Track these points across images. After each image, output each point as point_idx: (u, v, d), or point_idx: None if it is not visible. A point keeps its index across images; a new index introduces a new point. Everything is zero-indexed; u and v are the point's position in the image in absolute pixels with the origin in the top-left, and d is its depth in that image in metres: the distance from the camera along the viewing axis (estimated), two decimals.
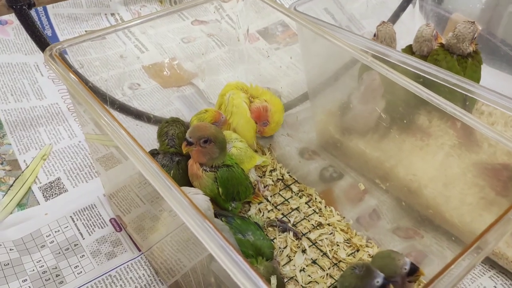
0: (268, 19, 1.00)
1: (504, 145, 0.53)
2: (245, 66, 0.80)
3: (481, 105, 0.73)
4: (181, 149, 0.54)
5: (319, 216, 0.59)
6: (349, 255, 0.55)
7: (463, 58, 0.68)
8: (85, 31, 0.87)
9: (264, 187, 0.62)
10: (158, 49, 0.83)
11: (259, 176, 0.63)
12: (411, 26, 0.87)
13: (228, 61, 0.85)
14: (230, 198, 0.53)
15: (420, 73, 0.54)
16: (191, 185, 0.53)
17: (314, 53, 0.64)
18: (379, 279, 0.40)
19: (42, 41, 0.56)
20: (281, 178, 0.64)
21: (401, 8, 0.75)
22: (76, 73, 0.47)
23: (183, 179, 0.53)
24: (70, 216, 0.59)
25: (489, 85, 0.75)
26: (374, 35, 0.65)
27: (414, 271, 0.45)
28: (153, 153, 0.55)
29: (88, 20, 0.87)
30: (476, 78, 0.68)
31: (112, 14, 0.90)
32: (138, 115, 0.60)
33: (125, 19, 0.91)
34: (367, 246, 0.56)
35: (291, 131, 0.71)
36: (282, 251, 0.55)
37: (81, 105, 0.43)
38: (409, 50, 0.75)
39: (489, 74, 0.75)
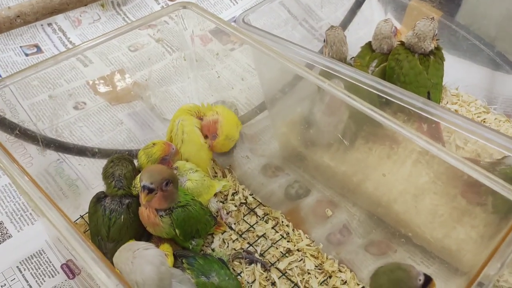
0: (220, 16, 0.94)
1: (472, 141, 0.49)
2: (199, 72, 0.74)
3: (447, 103, 0.70)
4: (130, 190, 0.49)
5: (287, 241, 0.56)
6: (321, 283, 0.52)
7: (425, 57, 0.65)
8: (20, 46, 0.80)
9: (227, 213, 0.58)
10: (103, 61, 0.77)
11: (220, 202, 0.59)
12: (369, 15, 0.83)
13: (180, 68, 0.79)
14: (190, 238, 0.49)
15: (377, 92, 0.50)
16: (144, 230, 0.49)
17: (266, 63, 0.59)
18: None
19: None
20: (244, 201, 0.60)
21: (357, 5, 0.70)
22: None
23: (136, 224, 0.48)
24: (17, 266, 0.54)
25: (452, 76, 0.73)
26: (324, 41, 0.61)
27: (428, 281, 0.43)
28: (100, 197, 0.49)
29: (22, 34, 0.79)
30: (439, 76, 0.66)
31: (50, 24, 0.82)
32: (81, 151, 0.55)
33: (64, 28, 0.84)
34: (339, 271, 0.54)
35: (251, 145, 0.67)
36: (251, 286, 0.51)
37: None
38: (368, 47, 0.72)
39: (449, 62, 0.72)
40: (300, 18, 0.83)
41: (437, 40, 0.66)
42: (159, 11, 0.60)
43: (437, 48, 0.66)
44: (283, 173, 0.64)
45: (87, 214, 0.53)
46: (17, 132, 0.47)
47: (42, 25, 0.83)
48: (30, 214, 0.59)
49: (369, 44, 0.72)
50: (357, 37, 0.82)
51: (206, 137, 0.58)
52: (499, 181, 0.43)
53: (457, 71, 0.73)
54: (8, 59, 0.78)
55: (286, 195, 0.62)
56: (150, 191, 0.44)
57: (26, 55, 0.79)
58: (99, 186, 0.56)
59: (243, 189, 0.61)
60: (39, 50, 0.80)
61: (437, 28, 0.65)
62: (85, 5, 0.46)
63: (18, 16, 0.40)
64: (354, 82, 0.54)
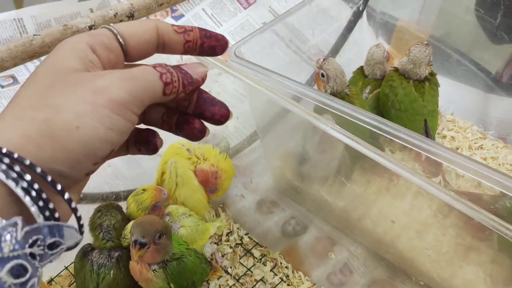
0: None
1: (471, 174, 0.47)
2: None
3: (443, 129, 0.69)
4: (120, 242, 0.46)
5: (288, 285, 0.53)
6: None
7: (420, 83, 0.64)
8: None
9: (222, 256, 0.55)
10: None
11: (215, 244, 0.56)
12: (359, 37, 0.81)
13: None
14: None
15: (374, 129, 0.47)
16: (135, 285, 0.45)
17: (258, 94, 0.57)
18: None
19: None
20: (240, 242, 0.57)
21: (348, 29, 0.68)
22: None
23: (127, 279, 0.45)
24: None
25: (445, 98, 0.72)
26: (322, 75, 0.58)
27: None
28: (86, 250, 0.46)
29: None
30: (435, 103, 0.64)
31: None
32: None
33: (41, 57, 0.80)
34: None
35: (243, 178, 0.64)
36: None
37: None
38: (360, 73, 0.70)
39: (443, 85, 0.71)
40: (292, 45, 0.80)
41: (431, 65, 0.65)
42: None
43: (432, 74, 0.65)
44: (279, 209, 0.61)
45: (72, 265, 0.49)
46: None
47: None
48: None
49: (361, 69, 0.70)
50: (347, 58, 0.80)
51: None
52: (498, 220, 0.41)
53: (450, 95, 0.72)
54: None
55: (283, 232, 0.59)
56: (142, 245, 0.41)
57: (2, 86, 0.75)
58: (86, 238, 0.52)
59: (238, 228, 0.58)
60: (15, 81, 0.76)
61: (431, 54, 0.63)
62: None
63: None
64: (347, 117, 0.51)
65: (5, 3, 0.87)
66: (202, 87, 0.31)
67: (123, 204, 0.54)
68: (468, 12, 0.76)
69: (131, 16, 0.44)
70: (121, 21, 0.44)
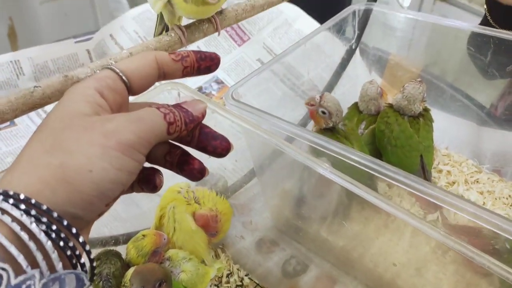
0: (201, 76, 0.92)
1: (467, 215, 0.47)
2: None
3: (438, 163, 0.69)
4: None
5: None
6: None
7: (414, 119, 0.64)
8: None
9: None
10: None
11: (215, 286, 0.56)
12: (352, 72, 0.83)
13: None
14: None
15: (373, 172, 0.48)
16: None
17: (255, 140, 0.57)
18: None
19: None
20: (240, 284, 0.57)
21: (342, 67, 0.70)
22: None
23: None
24: None
25: (442, 131, 0.73)
26: (324, 113, 0.59)
27: None
28: None
29: None
30: (430, 139, 0.65)
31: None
32: None
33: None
34: None
35: (242, 218, 0.64)
36: None
37: None
38: (355, 108, 0.71)
39: (437, 118, 0.72)
40: (281, 75, 0.81)
41: (424, 101, 0.66)
42: (147, 94, 0.57)
43: (425, 110, 0.66)
44: (279, 248, 0.61)
45: None
46: None
47: None
48: None
49: (355, 105, 0.71)
50: (341, 92, 0.81)
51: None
52: (497, 263, 0.41)
53: (444, 128, 0.73)
54: None
55: (283, 272, 0.59)
56: None
57: None
58: None
59: (238, 269, 0.58)
60: (12, 123, 0.77)
61: (425, 91, 0.64)
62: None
63: None
64: (343, 158, 0.52)
65: (1, 45, 0.87)
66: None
67: (122, 249, 0.54)
68: (459, 48, 0.78)
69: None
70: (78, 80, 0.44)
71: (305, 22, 0.94)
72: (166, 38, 0.48)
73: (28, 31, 1.85)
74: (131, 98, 0.32)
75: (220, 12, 0.51)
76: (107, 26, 0.88)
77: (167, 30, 0.51)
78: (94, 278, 0.46)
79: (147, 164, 0.32)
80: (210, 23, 0.50)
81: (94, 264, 0.27)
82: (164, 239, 0.49)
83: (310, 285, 0.57)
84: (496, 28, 0.77)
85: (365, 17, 0.70)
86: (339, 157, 0.50)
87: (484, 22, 0.80)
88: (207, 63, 0.32)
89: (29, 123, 0.78)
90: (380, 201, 0.45)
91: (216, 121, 0.74)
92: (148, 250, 0.47)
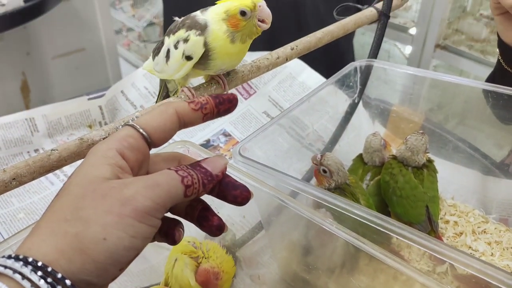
0: (208, 129, 0.95)
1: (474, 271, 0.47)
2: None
3: (445, 214, 0.70)
4: None
5: None
6: None
7: (418, 170, 0.66)
8: None
9: None
10: None
11: None
12: (356, 122, 0.85)
13: None
14: None
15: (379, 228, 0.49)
16: None
17: (261, 194, 0.59)
18: None
19: None
20: None
21: (346, 120, 0.72)
22: None
23: None
24: None
25: (446, 179, 0.74)
26: (324, 171, 0.60)
27: None
28: None
29: (8, 163, 0.78)
30: (435, 189, 0.66)
31: (36, 150, 0.81)
32: None
33: None
34: None
35: (250, 270, 0.64)
36: None
37: None
38: (360, 160, 0.72)
39: (442, 168, 0.73)
40: (287, 127, 0.84)
41: (427, 153, 0.67)
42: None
43: (429, 161, 0.67)
44: None
45: None
46: None
47: (28, 151, 0.82)
48: None
49: (360, 157, 0.73)
50: (345, 142, 0.83)
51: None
52: None
53: (449, 178, 0.74)
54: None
55: None
56: None
57: None
58: None
59: None
60: None
61: (428, 142, 0.66)
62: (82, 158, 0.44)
63: (14, 179, 0.39)
64: (347, 213, 0.53)
65: (14, 99, 0.90)
66: None
67: None
68: (460, 101, 0.80)
69: None
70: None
71: (308, 75, 0.97)
72: (174, 102, 0.50)
73: (40, 85, 1.91)
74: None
75: (228, 74, 0.53)
76: (118, 83, 0.92)
77: (167, 97, 0.54)
78: None
79: (168, 214, 0.33)
80: (217, 84, 0.52)
81: None
82: None
83: None
84: (510, 71, 0.79)
85: (367, 72, 0.72)
86: (344, 212, 0.51)
87: (498, 67, 0.82)
88: (225, 106, 0.33)
89: (42, 179, 0.80)
90: (387, 257, 0.45)
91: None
92: None
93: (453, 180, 0.75)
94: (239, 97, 0.97)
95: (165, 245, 0.35)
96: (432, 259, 0.62)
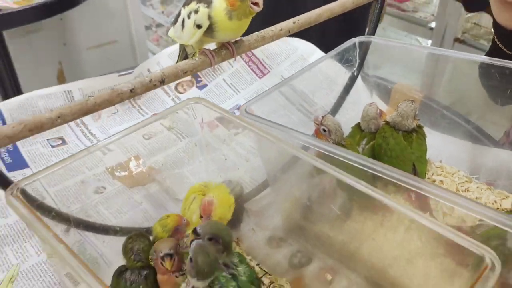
0: (224, 104, 1.04)
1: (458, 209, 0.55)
2: (208, 155, 0.82)
3: (432, 174, 0.77)
4: (148, 262, 0.55)
5: None
6: None
7: (408, 134, 0.73)
8: (47, 139, 0.89)
9: None
10: (120, 149, 0.85)
11: None
12: (356, 98, 0.92)
13: (189, 152, 0.88)
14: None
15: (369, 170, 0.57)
16: None
17: (267, 150, 0.67)
18: None
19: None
20: None
21: (345, 91, 0.80)
22: (39, 205, 0.49)
23: None
24: None
25: (435, 149, 0.81)
26: (324, 130, 0.69)
27: None
28: (121, 270, 0.55)
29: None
30: (423, 150, 0.73)
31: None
32: (105, 230, 0.62)
33: (85, 121, 0.94)
34: None
35: (256, 219, 0.73)
36: None
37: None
38: (357, 128, 0.80)
39: (436, 139, 0.80)
40: (297, 104, 0.92)
41: (417, 119, 0.75)
42: (174, 106, 0.69)
43: (419, 126, 0.75)
44: (287, 244, 0.69)
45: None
46: (53, 214, 0.54)
47: (67, 124, 0.93)
48: None
49: (358, 125, 0.81)
50: (348, 116, 0.91)
51: (201, 217, 0.65)
52: (469, 239, 0.49)
53: (439, 146, 0.81)
54: (36, 151, 0.87)
55: (290, 264, 0.67)
56: (171, 257, 0.50)
57: (52, 146, 0.89)
58: (119, 262, 0.62)
59: (250, 260, 0.67)
60: (63, 142, 0.90)
61: (417, 108, 0.74)
62: (113, 105, 0.54)
63: (59, 117, 0.49)
64: (347, 161, 0.61)
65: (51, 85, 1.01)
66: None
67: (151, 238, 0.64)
68: (458, 75, 0.87)
69: (162, 82, 0.56)
70: (154, 85, 0.56)
71: (318, 57, 1.06)
72: (194, 61, 0.59)
73: (75, 73, 2.05)
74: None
75: (235, 42, 0.62)
76: (145, 62, 1.02)
77: (186, 58, 0.63)
78: (127, 252, 0.56)
79: None
80: (227, 50, 0.61)
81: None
82: (184, 220, 0.59)
83: (314, 275, 0.65)
84: (505, 50, 0.85)
85: (365, 47, 0.80)
86: (345, 160, 0.60)
87: (493, 46, 0.89)
88: None
89: (78, 143, 0.91)
90: (380, 195, 0.53)
91: (237, 142, 0.85)
92: (171, 227, 0.57)
93: (444, 148, 0.83)
94: (254, 76, 1.06)
95: None
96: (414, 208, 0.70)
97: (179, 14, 0.60)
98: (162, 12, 3.06)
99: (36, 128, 0.48)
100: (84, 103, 0.52)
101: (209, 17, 0.55)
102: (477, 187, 0.73)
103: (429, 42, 1.96)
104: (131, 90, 0.54)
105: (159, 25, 3.08)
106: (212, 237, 0.51)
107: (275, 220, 0.74)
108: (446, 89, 0.94)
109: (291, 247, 0.69)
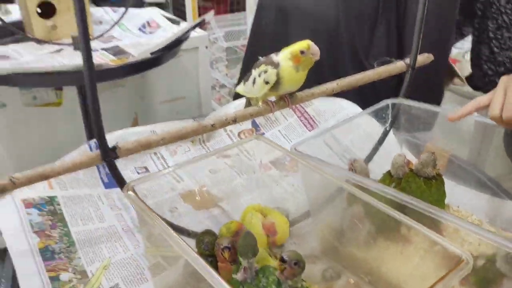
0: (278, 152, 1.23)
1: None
2: (260, 190, 1.00)
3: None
4: (213, 252, 0.72)
5: None
6: None
7: (428, 180, 0.88)
8: (134, 167, 1.11)
9: None
10: (191, 179, 1.05)
11: None
12: (388, 148, 1.08)
13: (247, 187, 1.06)
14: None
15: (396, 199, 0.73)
16: None
17: (312, 182, 0.85)
18: None
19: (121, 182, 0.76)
20: None
21: (379, 143, 0.97)
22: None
23: None
24: None
25: (458, 198, 0.95)
26: (353, 171, 0.86)
27: None
28: None
29: (137, 160, 1.11)
30: (441, 195, 0.88)
31: (155, 153, 1.14)
32: (181, 231, 0.80)
33: (164, 156, 1.15)
34: None
35: (297, 241, 0.90)
36: None
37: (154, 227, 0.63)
38: (388, 174, 0.96)
39: (457, 189, 0.94)
40: (335, 148, 1.09)
41: (437, 169, 0.90)
42: (238, 141, 0.88)
43: (438, 175, 0.90)
44: (321, 262, 0.84)
45: None
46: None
47: (149, 153, 1.15)
48: (138, 279, 0.82)
49: (388, 172, 0.96)
50: (379, 165, 1.07)
51: (267, 236, 0.82)
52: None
53: (459, 196, 0.95)
54: (126, 175, 1.09)
55: (322, 277, 0.82)
56: (230, 249, 0.68)
57: (138, 173, 1.10)
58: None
59: None
60: (147, 170, 1.11)
61: (436, 159, 0.89)
62: (198, 135, 0.75)
63: (162, 139, 0.69)
64: (379, 192, 0.77)
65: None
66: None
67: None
68: (482, 137, 1.02)
69: (234, 120, 0.76)
70: (228, 123, 0.76)
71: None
72: (258, 108, 0.79)
73: (147, 123, 2.32)
74: None
75: (290, 95, 0.82)
76: (215, 112, 1.24)
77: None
78: (199, 243, 0.74)
79: None
80: (283, 101, 0.81)
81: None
82: (244, 227, 0.77)
83: (342, 287, 0.80)
84: None
85: (397, 108, 0.98)
86: (376, 191, 0.75)
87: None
88: None
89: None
90: (405, 220, 0.68)
91: (286, 181, 1.04)
92: (233, 230, 0.75)
93: (463, 197, 0.96)
94: (305, 129, 1.25)
95: None
96: None
97: (250, 74, 0.81)
98: (226, 74, 3.39)
99: (147, 145, 0.69)
100: (179, 131, 0.73)
101: (277, 74, 0.75)
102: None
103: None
104: (212, 125, 0.74)
105: (222, 86, 3.40)
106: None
107: (312, 244, 0.90)
108: (472, 151, 1.08)
109: (324, 264, 0.84)
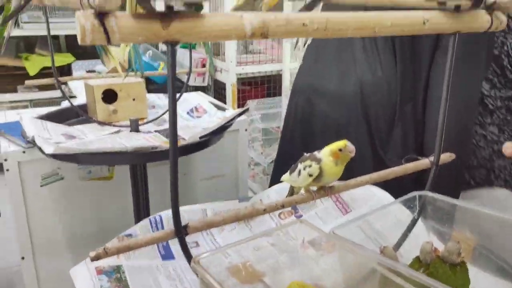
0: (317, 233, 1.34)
1: None
2: (299, 268, 1.11)
3: None
4: None
5: None
6: None
7: (454, 266, 0.98)
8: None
9: None
10: (236, 254, 1.17)
11: None
12: (417, 235, 1.18)
13: (287, 264, 1.17)
14: None
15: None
16: None
17: (348, 262, 0.96)
18: None
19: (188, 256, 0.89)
20: None
21: (408, 230, 1.08)
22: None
23: None
24: None
25: (483, 286, 1.03)
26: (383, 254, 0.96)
27: None
28: None
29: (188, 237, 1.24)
30: (465, 281, 0.97)
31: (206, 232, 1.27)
32: None
33: (213, 233, 1.28)
34: None
35: None
36: None
37: None
38: (417, 259, 1.06)
39: (482, 277, 1.03)
40: (372, 238, 1.20)
41: (462, 257, 0.99)
42: (282, 226, 1.01)
43: (463, 262, 0.99)
44: None
45: None
46: None
47: (201, 232, 1.29)
48: None
49: (417, 258, 1.06)
50: (407, 250, 1.17)
51: None
52: None
53: (481, 281, 1.03)
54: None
55: None
56: None
57: (190, 248, 1.23)
58: None
59: None
60: (197, 245, 1.24)
61: (461, 247, 0.99)
62: (252, 218, 0.88)
63: (222, 220, 0.82)
64: (409, 276, 0.87)
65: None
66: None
67: None
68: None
69: (282, 206, 0.90)
70: (277, 208, 0.89)
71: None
72: (302, 196, 0.93)
73: (187, 199, 2.48)
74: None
75: (329, 186, 0.95)
76: (259, 194, 1.38)
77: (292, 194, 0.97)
78: None
79: None
80: (323, 191, 0.94)
81: None
82: None
83: None
84: None
85: (424, 199, 1.10)
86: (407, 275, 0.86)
87: None
88: None
89: (207, 247, 1.24)
90: None
91: (324, 261, 1.14)
92: None
93: (487, 285, 1.04)
94: (339, 213, 1.37)
95: None
96: None
97: (296, 166, 0.96)
98: (261, 153, 3.57)
99: (210, 224, 0.82)
100: (237, 213, 0.86)
101: (320, 168, 0.89)
102: None
103: None
104: (264, 210, 0.88)
105: (257, 164, 3.57)
106: None
107: None
108: (500, 245, 1.17)
109: None
